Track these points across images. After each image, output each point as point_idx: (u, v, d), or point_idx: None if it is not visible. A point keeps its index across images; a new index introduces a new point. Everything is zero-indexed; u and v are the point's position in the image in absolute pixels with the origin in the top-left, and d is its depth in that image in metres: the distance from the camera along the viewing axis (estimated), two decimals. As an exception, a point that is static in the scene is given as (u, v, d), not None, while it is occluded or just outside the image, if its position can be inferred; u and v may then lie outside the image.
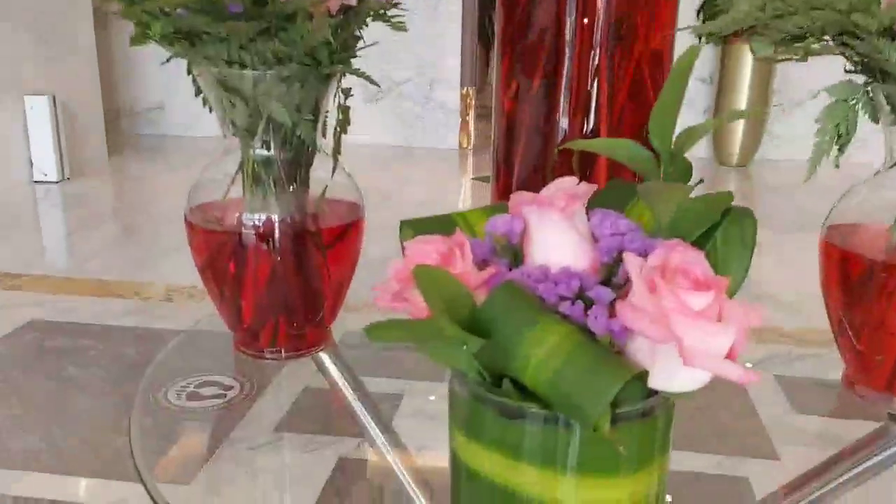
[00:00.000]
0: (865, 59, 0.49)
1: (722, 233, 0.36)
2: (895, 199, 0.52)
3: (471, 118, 5.74)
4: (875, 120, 0.52)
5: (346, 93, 0.55)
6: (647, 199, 0.34)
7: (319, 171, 0.60)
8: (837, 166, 0.53)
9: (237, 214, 0.57)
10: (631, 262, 0.33)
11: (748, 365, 0.81)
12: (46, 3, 4.29)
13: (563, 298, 0.34)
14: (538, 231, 0.37)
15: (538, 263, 0.37)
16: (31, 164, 4.30)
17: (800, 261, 1.35)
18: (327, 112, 0.58)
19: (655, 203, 0.34)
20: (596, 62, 0.53)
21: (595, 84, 0.54)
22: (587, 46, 0.52)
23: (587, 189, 0.38)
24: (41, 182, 4.44)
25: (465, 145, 5.63)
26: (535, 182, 0.58)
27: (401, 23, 0.51)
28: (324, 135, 0.59)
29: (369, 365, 0.77)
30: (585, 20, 0.52)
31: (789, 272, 1.30)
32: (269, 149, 0.56)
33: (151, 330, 0.97)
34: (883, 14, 0.44)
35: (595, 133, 0.55)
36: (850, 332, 0.56)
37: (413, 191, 2.41)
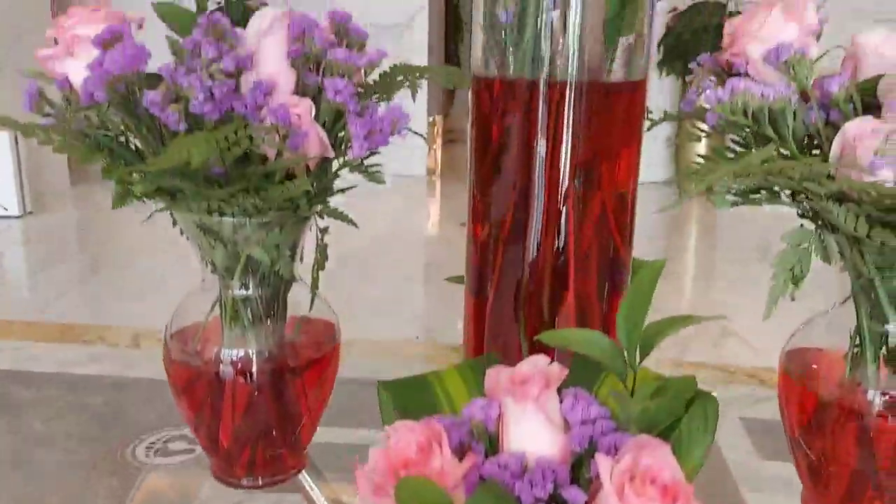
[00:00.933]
0: (818, 214, 0.52)
1: (687, 420, 0.39)
2: (847, 334, 0.55)
3: (437, 146, 5.77)
4: (827, 261, 0.55)
5: (324, 231, 0.57)
6: (617, 402, 0.36)
7: (294, 292, 0.61)
8: (794, 299, 0.56)
9: (216, 349, 0.57)
10: (602, 464, 0.35)
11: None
12: (3, 27, 4.22)
13: (537, 500, 0.36)
14: (513, 419, 0.39)
15: (513, 449, 0.39)
16: (-8, 199, 4.22)
17: (764, 292, 1.39)
18: (303, 246, 0.59)
19: (623, 406, 0.36)
20: (562, 205, 0.55)
21: (563, 225, 0.56)
22: (554, 191, 0.55)
23: (560, 372, 0.40)
24: (2, 217, 4.37)
25: (432, 172, 5.66)
26: (507, 314, 0.60)
27: (378, 173, 0.53)
28: (301, 259, 0.61)
29: (349, 484, 0.78)
30: (552, 168, 0.54)
31: (754, 305, 1.33)
32: (247, 288, 0.57)
33: (119, 379, 0.95)
34: (833, 184, 0.46)
35: (564, 265, 0.57)
36: (805, 449, 0.58)
37: (382, 212, 2.41)
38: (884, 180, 0.45)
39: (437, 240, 3.60)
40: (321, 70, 0.52)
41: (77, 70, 0.48)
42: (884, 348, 0.53)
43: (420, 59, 5.32)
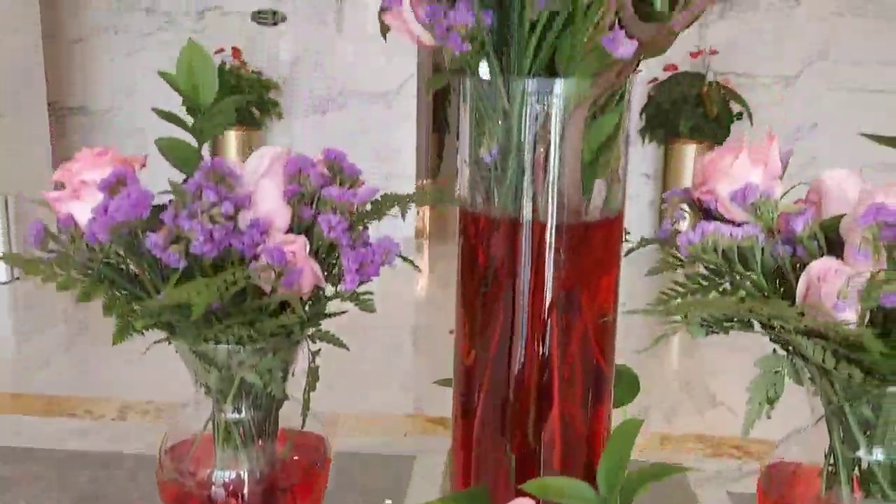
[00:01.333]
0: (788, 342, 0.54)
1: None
2: (822, 452, 0.57)
3: (425, 209, 5.83)
4: (799, 384, 0.57)
5: (316, 354, 0.59)
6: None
7: (284, 406, 0.63)
8: (770, 417, 0.59)
9: (208, 471, 0.59)
10: None
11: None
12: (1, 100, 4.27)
13: None
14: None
15: None
16: (-20, 269, 4.20)
17: (748, 364, 1.41)
18: (295, 365, 0.61)
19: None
20: (546, 329, 0.57)
21: (546, 347, 0.58)
22: (538, 317, 0.57)
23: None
24: (-11, 283, 4.33)
25: (421, 235, 5.71)
26: (494, 431, 0.62)
27: (369, 301, 0.55)
28: (292, 374, 0.63)
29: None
30: (535, 296, 0.56)
31: (742, 373, 1.35)
32: (240, 411, 0.58)
33: (105, 454, 0.94)
34: (801, 321, 0.49)
35: (548, 383, 0.59)
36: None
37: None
38: (846, 321, 0.47)
39: (426, 303, 3.61)
40: (316, 205, 0.55)
41: (82, 210, 0.51)
42: (856, 470, 0.55)
43: (409, 124, 5.43)
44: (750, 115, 4.28)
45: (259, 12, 5.27)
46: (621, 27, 0.47)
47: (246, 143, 5.23)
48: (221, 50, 5.11)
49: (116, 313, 0.51)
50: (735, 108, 4.27)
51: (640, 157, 4.72)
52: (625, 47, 0.47)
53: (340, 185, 0.56)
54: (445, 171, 8.85)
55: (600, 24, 0.47)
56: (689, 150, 4.31)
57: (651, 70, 4.56)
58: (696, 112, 3.95)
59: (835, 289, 0.48)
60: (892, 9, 4.58)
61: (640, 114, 4.75)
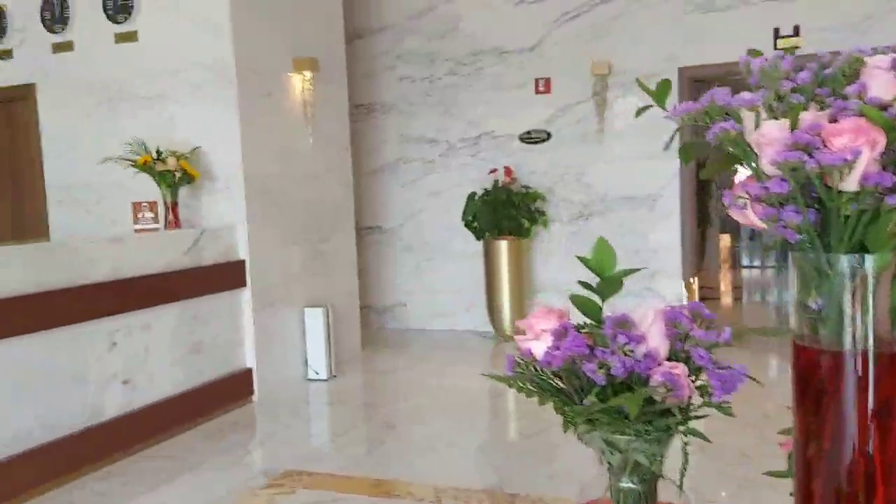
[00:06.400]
0: None
1: None
2: None
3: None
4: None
5: (687, 444, 0.83)
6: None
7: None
8: None
9: (608, 527, 0.85)
10: None
11: None
12: (319, 226, 5.17)
13: None
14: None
15: None
16: (307, 364, 5.05)
17: None
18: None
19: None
20: (869, 431, 0.77)
21: (870, 444, 0.77)
22: (863, 422, 0.77)
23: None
24: (314, 380, 5.17)
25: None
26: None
27: (728, 408, 0.79)
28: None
29: None
30: (859, 406, 0.76)
31: None
32: (632, 483, 0.84)
33: None
34: None
35: (873, 474, 0.78)
36: None
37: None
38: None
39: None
40: (686, 341, 0.81)
41: (538, 348, 0.82)
42: None
43: (671, 222, 5.55)
44: None
45: (527, 133, 5.86)
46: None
47: (516, 249, 5.72)
48: (494, 170, 5.75)
49: (561, 413, 0.80)
50: None
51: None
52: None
53: (700, 327, 0.82)
54: (708, 266, 8.69)
55: (898, 217, 0.69)
56: None
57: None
58: None
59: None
60: None
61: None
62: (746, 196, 0.79)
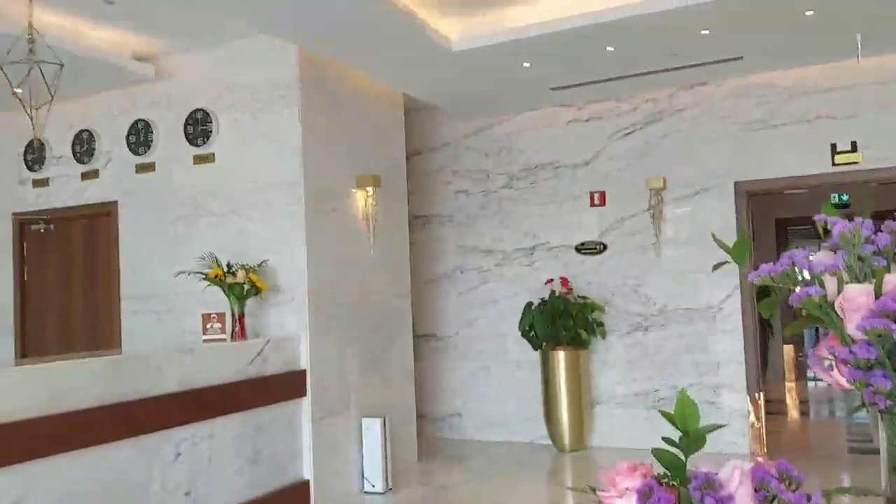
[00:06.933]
0: None
1: None
2: None
3: (762, 422, 5.61)
4: None
5: None
6: None
7: None
8: None
9: None
10: None
11: None
12: (378, 334, 5.23)
13: None
14: None
15: None
16: (363, 475, 4.99)
17: None
18: None
19: None
20: None
21: None
22: None
23: None
24: (370, 493, 5.08)
25: (757, 451, 5.45)
26: None
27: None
28: None
29: None
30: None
31: None
32: None
33: None
34: None
35: None
36: None
37: None
38: None
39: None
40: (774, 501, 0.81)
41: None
42: None
43: (734, 335, 5.44)
44: None
45: (582, 244, 5.92)
46: None
47: (574, 360, 5.66)
48: (550, 280, 5.79)
49: None
50: None
51: None
52: None
53: (788, 487, 0.82)
54: (772, 378, 8.40)
55: None
56: None
57: None
58: None
59: None
60: None
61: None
62: (832, 357, 0.81)
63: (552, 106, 6.04)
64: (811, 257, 0.85)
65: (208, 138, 4.76)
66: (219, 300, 4.42)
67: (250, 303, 4.49)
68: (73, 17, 4.24)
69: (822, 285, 0.82)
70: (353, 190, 5.02)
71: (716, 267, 0.97)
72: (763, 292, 0.93)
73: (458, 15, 4.52)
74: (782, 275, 0.84)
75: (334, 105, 4.90)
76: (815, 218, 0.92)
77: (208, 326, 4.28)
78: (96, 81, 4.89)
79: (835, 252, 0.86)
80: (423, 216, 6.57)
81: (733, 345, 5.45)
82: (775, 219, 8.58)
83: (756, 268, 0.88)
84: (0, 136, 5.57)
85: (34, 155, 5.42)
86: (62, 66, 3.50)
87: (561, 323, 5.62)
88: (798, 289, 0.83)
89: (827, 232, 0.86)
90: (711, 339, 5.50)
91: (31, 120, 3.45)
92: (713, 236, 0.99)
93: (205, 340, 4.29)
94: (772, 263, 0.86)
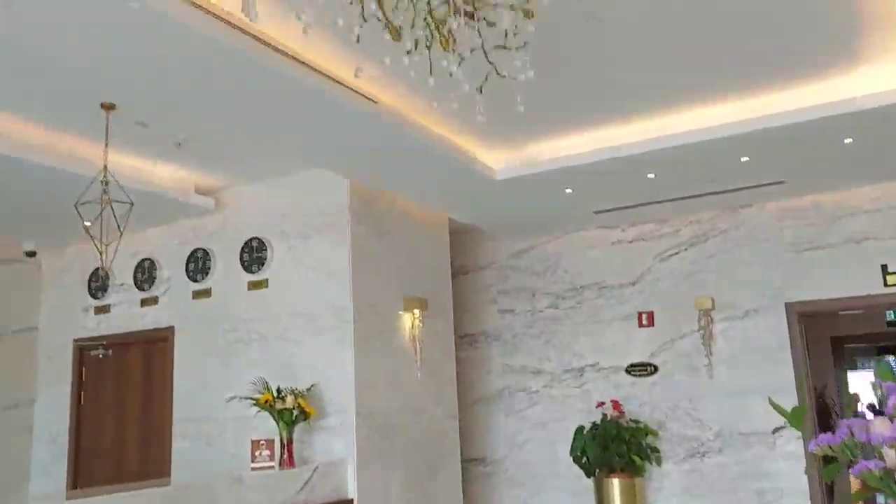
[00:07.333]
0: None
1: None
2: None
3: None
4: None
5: None
6: None
7: None
8: None
9: None
10: None
11: None
12: (426, 461, 5.14)
13: None
14: None
15: None
16: None
17: None
18: None
19: None
20: None
21: None
22: None
23: None
24: None
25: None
26: None
27: None
28: None
29: None
30: None
31: None
32: None
33: None
34: None
35: None
36: None
37: None
38: None
39: None
40: None
41: None
42: None
43: (797, 461, 5.19)
44: None
45: (632, 365, 5.83)
46: None
47: (628, 488, 5.45)
48: (602, 403, 5.67)
49: None
50: None
51: None
52: None
53: None
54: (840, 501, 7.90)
55: None
56: None
57: None
58: None
59: None
60: None
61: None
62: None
63: (596, 228, 6.13)
64: (870, 428, 0.85)
65: (262, 265, 4.94)
66: (268, 424, 4.44)
67: (298, 427, 4.50)
68: (143, 158, 4.54)
69: (881, 457, 0.83)
70: (401, 312, 5.10)
71: (776, 430, 0.98)
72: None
73: (502, 148, 4.71)
74: (841, 446, 0.85)
75: (382, 229, 5.07)
76: (871, 382, 0.94)
77: (257, 454, 4.29)
78: (161, 215, 5.16)
79: (892, 421, 0.87)
80: (469, 335, 6.58)
81: (796, 471, 5.19)
82: (830, 337, 8.34)
83: (816, 435, 0.89)
84: (68, 266, 5.86)
85: (98, 283, 5.67)
86: (132, 204, 3.73)
87: (614, 448, 5.45)
88: (859, 461, 0.84)
89: (882, 402, 0.88)
90: (772, 465, 5.26)
91: (101, 255, 3.65)
92: (770, 401, 1.01)
93: (253, 468, 4.28)
94: (830, 434, 0.87)
